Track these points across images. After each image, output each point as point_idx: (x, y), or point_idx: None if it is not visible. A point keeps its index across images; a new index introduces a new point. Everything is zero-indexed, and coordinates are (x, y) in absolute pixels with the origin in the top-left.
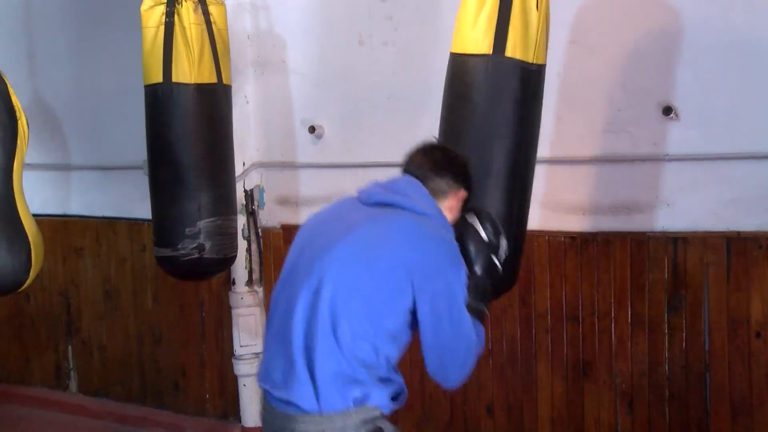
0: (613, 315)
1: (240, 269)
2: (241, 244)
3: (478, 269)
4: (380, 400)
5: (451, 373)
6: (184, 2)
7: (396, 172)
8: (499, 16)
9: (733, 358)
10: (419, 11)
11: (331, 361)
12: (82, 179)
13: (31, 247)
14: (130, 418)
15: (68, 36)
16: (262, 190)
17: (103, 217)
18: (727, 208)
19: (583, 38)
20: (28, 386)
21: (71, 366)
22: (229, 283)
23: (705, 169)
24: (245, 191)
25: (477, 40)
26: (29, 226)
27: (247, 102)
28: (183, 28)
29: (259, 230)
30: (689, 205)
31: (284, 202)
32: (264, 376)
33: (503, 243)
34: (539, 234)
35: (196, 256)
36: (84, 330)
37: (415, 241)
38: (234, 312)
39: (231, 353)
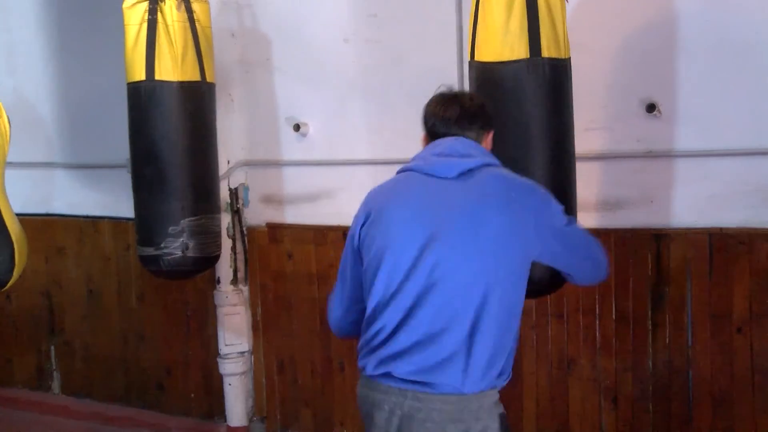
0: (597, 311)
1: (225, 268)
2: (226, 243)
3: None
4: (502, 381)
5: (600, 269)
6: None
7: (381, 169)
8: (529, 19)
9: (715, 354)
10: (404, 9)
11: (489, 345)
12: (64, 178)
13: (14, 246)
14: (113, 418)
15: (49, 32)
16: (246, 189)
17: (87, 216)
18: (709, 204)
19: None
20: (9, 387)
21: (54, 366)
22: (214, 281)
23: (688, 166)
24: (230, 189)
25: (512, 46)
26: (12, 226)
27: (232, 100)
28: (166, 25)
29: (244, 229)
30: (672, 201)
31: (269, 200)
32: (389, 358)
33: None
34: None
35: (180, 254)
36: (67, 330)
37: (513, 196)
38: (219, 311)
39: (216, 352)
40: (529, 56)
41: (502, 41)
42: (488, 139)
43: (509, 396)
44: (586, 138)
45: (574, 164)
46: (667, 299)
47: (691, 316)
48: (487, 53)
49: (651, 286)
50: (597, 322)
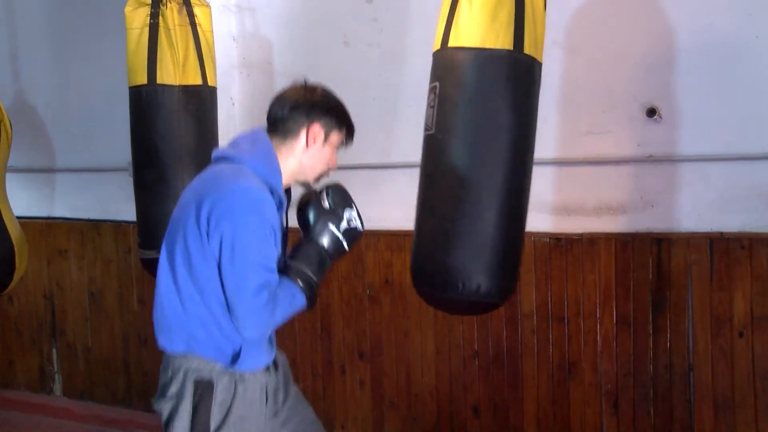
0: (598, 315)
1: None
2: None
3: (315, 236)
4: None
5: (241, 318)
6: (168, 4)
7: (381, 173)
8: (516, 12)
9: (716, 358)
10: (404, 13)
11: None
12: (66, 181)
13: (15, 249)
14: (115, 421)
15: (52, 37)
16: None
17: (88, 219)
18: (710, 208)
19: (567, 40)
20: (11, 389)
21: (55, 369)
22: None
23: (688, 170)
24: None
25: (497, 35)
26: (12, 229)
27: (233, 104)
28: (167, 29)
29: None
30: (673, 205)
31: None
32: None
33: (347, 215)
34: (525, 235)
35: None
36: (68, 332)
37: (209, 190)
38: None
39: None
40: (512, 48)
41: (489, 27)
42: (312, 131)
43: (510, 400)
44: (586, 142)
45: (531, 169)
46: (668, 303)
47: (692, 321)
48: (467, 39)
49: (652, 290)
50: (598, 326)
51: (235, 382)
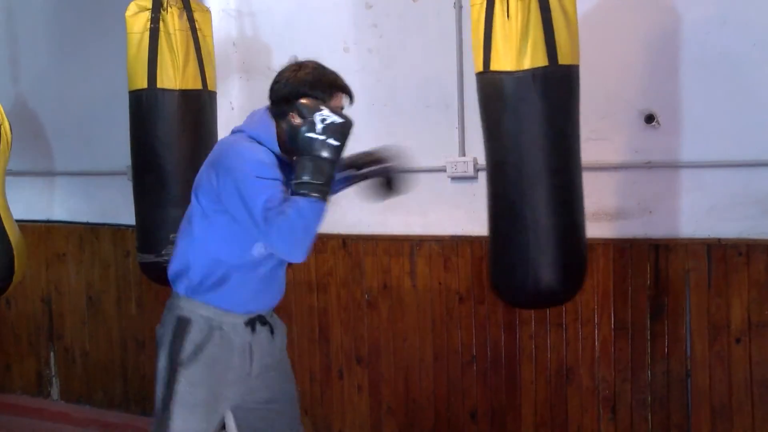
0: (596, 321)
1: None
2: None
3: (299, 152)
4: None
5: (273, 242)
6: (169, 8)
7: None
8: (544, 28)
9: (713, 364)
10: (404, 19)
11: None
12: (65, 185)
13: (14, 252)
14: (113, 425)
15: (52, 41)
16: None
17: (87, 223)
18: (707, 215)
19: None
20: (8, 393)
21: (53, 373)
22: None
23: (686, 177)
24: None
25: (529, 55)
26: (12, 232)
27: (232, 108)
28: (168, 34)
29: None
30: (671, 212)
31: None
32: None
33: (318, 117)
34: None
35: None
36: (66, 336)
37: (213, 156)
38: None
39: None
40: (547, 64)
41: (520, 48)
42: (297, 105)
43: (508, 405)
44: (585, 148)
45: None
46: (666, 309)
47: (690, 327)
48: (504, 62)
49: (650, 296)
50: (596, 332)
51: (212, 327)
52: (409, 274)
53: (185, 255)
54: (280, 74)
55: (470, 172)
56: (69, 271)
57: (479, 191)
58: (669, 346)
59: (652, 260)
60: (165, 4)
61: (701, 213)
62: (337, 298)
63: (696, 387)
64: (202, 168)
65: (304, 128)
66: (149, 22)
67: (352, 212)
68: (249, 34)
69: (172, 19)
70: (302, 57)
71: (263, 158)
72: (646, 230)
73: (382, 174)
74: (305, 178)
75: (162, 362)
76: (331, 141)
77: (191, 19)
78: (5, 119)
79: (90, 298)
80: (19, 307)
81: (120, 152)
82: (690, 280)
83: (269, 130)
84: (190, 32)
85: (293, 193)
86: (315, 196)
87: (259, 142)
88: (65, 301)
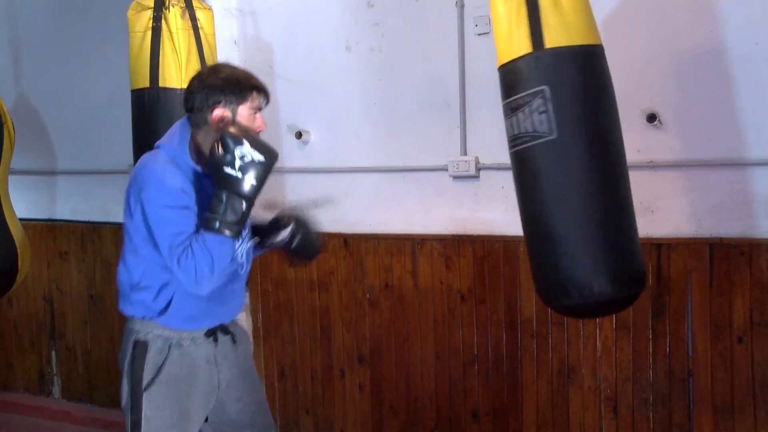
0: (597, 320)
1: None
2: None
3: (215, 185)
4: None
5: (179, 278)
6: (171, 7)
7: (382, 177)
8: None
9: (715, 364)
10: (406, 18)
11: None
12: (67, 184)
13: (17, 251)
14: (114, 423)
15: (54, 40)
16: None
17: (89, 222)
18: (710, 214)
19: None
20: (10, 392)
21: (55, 371)
22: None
23: (688, 176)
24: None
25: (595, 31)
26: (16, 231)
27: None
28: (170, 33)
29: None
30: (673, 211)
31: (271, 206)
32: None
33: (239, 152)
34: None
35: None
36: (68, 335)
37: (130, 176)
38: None
39: None
40: (599, 42)
41: (588, 24)
42: (214, 115)
43: (510, 404)
44: None
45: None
46: (668, 309)
47: (692, 326)
48: (571, 37)
49: (651, 295)
50: (597, 331)
51: (170, 346)
52: (411, 273)
53: (132, 274)
54: (191, 81)
55: (472, 171)
56: (71, 270)
57: (481, 190)
58: (671, 345)
59: (654, 259)
60: (167, 3)
61: (703, 212)
62: (339, 297)
63: (698, 386)
64: (127, 184)
65: (223, 162)
66: (151, 21)
67: (354, 211)
68: (251, 33)
69: (174, 18)
70: (303, 55)
71: (174, 184)
72: (648, 229)
73: (287, 246)
74: (217, 215)
75: (125, 389)
76: (248, 179)
77: (193, 18)
78: (8, 118)
79: (92, 296)
80: (21, 306)
81: (122, 151)
82: (692, 280)
83: (183, 145)
84: (192, 31)
85: (204, 227)
86: (224, 234)
87: (172, 158)
88: (67, 300)
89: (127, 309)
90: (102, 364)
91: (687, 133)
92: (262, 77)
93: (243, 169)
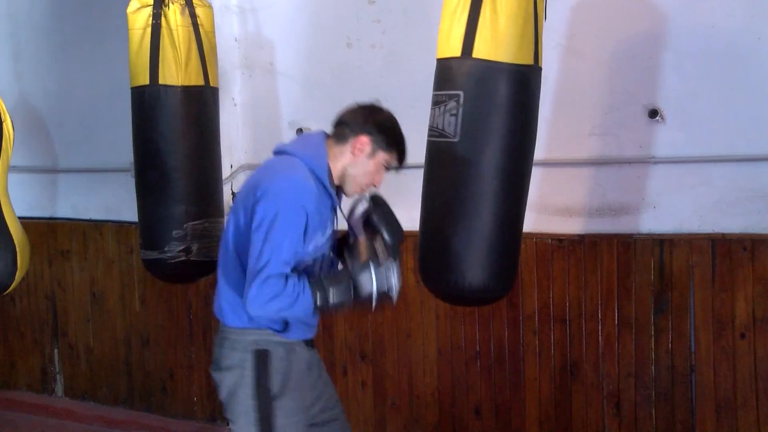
0: (600, 317)
1: None
2: None
3: (356, 276)
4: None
5: (248, 295)
6: (171, 4)
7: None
8: (535, 28)
9: (718, 359)
10: (407, 14)
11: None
12: (68, 182)
13: (17, 249)
14: (117, 421)
15: (54, 38)
16: None
17: (90, 220)
18: (712, 210)
19: (570, 42)
20: (13, 390)
21: (57, 369)
22: None
23: (690, 172)
24: (233, 193)
25: (527, 51)
26: (15, 229)
27: (235, 104)
28: (170, 30)
29: None
30: (675, 207)
31: None
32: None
33: (392, 282)
34: (527, 236)
35: (183, 258)
36: (70, 333)
37: (263, 177)
38: None
39: None
40: (533, 63)
41: (520, 43)
42: (358, 140)
43: (512, 401)
44: (589, 144)
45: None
46: (670, 305)
47: (694, 322)
48: (498, 52)
49: (654, 291)
50: (600, 328)
51: (288, 352)
52: (413, 270)
53: (239, 299)
54: (358, 105)
55: None
56: (73, 268)
57: None
58: (673, 341)
59: (657, 255)
60: (167, 1)
61: (706, 208)
62: None
63: (700, 382)
64: (250, 185)
65: (370, 267)
66: (151, 18)
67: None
68: (251, 30)
69: (174, 15)
70: (304, 52)
71: (308, 205)
72: (651, 225)
73: (369, 221)
74: (329, 294)
75: (245, 402)
76: (373, 293)
77: (193, 15)
78: (8, 116)
79: (94, 294)
80: (24, 304)
81: (123, 149)
82: (694, 276)
83: (323, 160)
84: (192, 28)
85: (310, 276)
86: (318, 304)
87: (312, 170)
88: (69, 298)
89: (235, 321)
90: (105, 362)
91: (689, 128)
92: (263, 75)
93: (381, 297)
